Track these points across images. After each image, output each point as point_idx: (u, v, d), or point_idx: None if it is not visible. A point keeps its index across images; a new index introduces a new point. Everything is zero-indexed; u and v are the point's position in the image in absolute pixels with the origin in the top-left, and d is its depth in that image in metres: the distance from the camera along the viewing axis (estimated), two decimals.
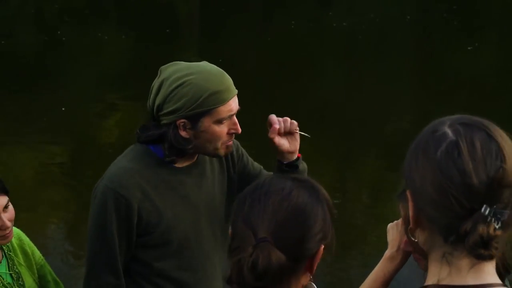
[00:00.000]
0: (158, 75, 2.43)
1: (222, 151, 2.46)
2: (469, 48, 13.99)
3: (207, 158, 2.57)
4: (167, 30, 15.22)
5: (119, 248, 2.42)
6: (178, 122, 2.37)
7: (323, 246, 1.54)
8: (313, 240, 1.52)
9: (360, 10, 18.11)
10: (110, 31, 16.03)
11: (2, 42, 13.96)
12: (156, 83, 2.41)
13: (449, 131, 1.28)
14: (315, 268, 1.55)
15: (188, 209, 2.50)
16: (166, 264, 2.48)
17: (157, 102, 2.38)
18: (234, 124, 2.43)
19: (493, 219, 1.21)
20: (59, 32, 15.36)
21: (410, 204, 1.31)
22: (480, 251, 1.22)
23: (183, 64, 2.43)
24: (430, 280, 1.32)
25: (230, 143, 2.46)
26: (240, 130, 2.43)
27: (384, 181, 7.33)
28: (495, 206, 1.22)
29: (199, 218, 2.51)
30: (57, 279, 2.98)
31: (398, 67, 12.87)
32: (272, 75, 11.63)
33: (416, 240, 1.35)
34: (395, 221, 1.91)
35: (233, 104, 2.40)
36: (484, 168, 1.23)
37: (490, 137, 1.26)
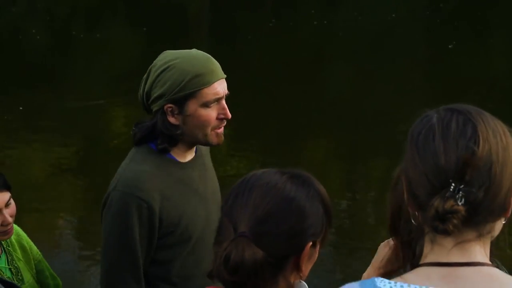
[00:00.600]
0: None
1: (213, 139, 2.42)
2: (480, 47, 13.95)
3: (202, 151, 2.58)
4: (176, 30, 15.23)
5: (140, 254, 2.37)
6: (165, 108, 2.36)
7: (310, 243, 1.48)
8: (299, 237, 1.47)
9: (368, 9, 18.07)
10: (119, 30, 16.05)
11: (10, 39, 14.00)
12: (145, 74, 2.44)
13: (433, 116, 1.32)
14: (303, 266, 1.50)
15: (201, 203, 2.50)
16: (185, 262, 2.46)
17: (146, 89, 2.39)
18: (223, 108, 2.39)
19: (456, 196, 1.24)
20: (68, 32, 15.40)
21: (404, 187, 1.34)
22: (435, 223, 1.25)
23: (170, 51, 2.45)
24: (422, 259, 1.34)
25: (221, 130, 2.42)
26: (229, 115, 2.40)
27: None
28: (462, 185, 1.24)
29: (210, 212, 2.50)
30: (54, 274, 2.99)
31: (408, 66, 12.83)
32: (280, 75, 11.61)
33: (415, 223, 1.35)
34: (387, 240, 1.85)
35: (219, 87, 2.38)
36: (455, 149, 1.26)
37: (469, 120, 1.29)
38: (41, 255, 2.96)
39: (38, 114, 9.41)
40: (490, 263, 1.30)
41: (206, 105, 2.36)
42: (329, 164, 8.24)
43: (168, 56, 2.41)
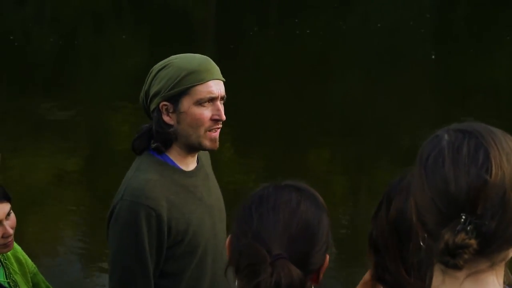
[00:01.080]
0: None
1: (206, 142, 2.40)
2: (487, 54, 13.92)
3: (203, 161, 2.57)
4: (182, 35, 15.25)
5: (151, 264, 2.33)
6: (161, 105, 2.38)
7: (328, 256, 1.50)
8: (321, 252, 1.48)
9: (375, 15, 18.07)
10: (125, 36, 16.07)
11: (16, 43, 14.04)
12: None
13: (444, 137, 1.27)
14: (321, 275, 1.51)
15: (206, 212, 2.48)
16: (194, 273, 2.43)
17: (145, 89, 2.42)
18: (218, 109, 2.38)
19: (468, 228, 1.19)
20: (74, 37, 15.43)
21: (413, 210, 1.29)
22: (445, 258, 1.20)
23: (175, 56, 2.47)
24: None
25: (215, 135, 2.41)
26: (224, 117, 2.40)
27: None
28: (473, 217, 1.19)
29: (215, 221, 2.50)
30: (50, 286, 2.94)
31: (414, 74, 12.81)
32: (285, 81, 11.61)
33: (424, 247, 1.31)
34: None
35: (214, 86, 2.38)
36: (466, 177, 1.21)
37: (481, 145, 1.23)
38: (36, 268, 2.92)
39: (43, 120, 9.41)
40: None
41: (199, 103, 2.36)
42: (331, 173, 8.23)
43: (168, 58, 2.45)
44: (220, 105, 2.40)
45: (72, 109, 9.90)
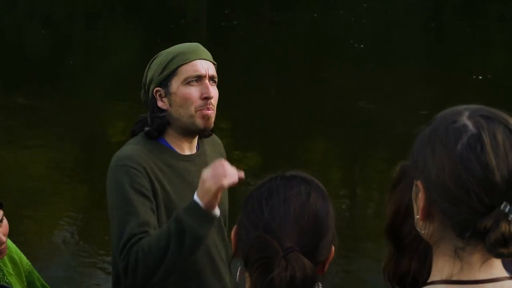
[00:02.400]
0: None
1: (199, 121, 2.43)
2: (483, 46, 13.93)
3: (207, 151, 2.58)
4: (175, 31, 15.23)
5: (143, 208, 2.34)
6: (154, 91, 2.46)
7: (333, 248, 1.50)
8: (328, 243, 1.48)
9: (369, 9, 18.06)
10: (117, 32, 16.04)
11: (10, 41, 14.00)
12: None
13: (469, 123, 1.24)
14: (327, 266, 1.51)
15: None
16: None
17: (143, 82, 2.52)
18: (206, 87, 2.43)
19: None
20: (68, 34, 15.39)
21: (422, 195, 1.27)
22: (500, 249, 1.19)
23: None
24: (437, 275, 1.29)
25: (207, 112, 2.43)
26: (212, 94, 2.42)
27: None
28: None
29: None
30: (45, 284, 2.89)
31: (409, 66, 12.83)
32: (279, 75, 11.61)
33: (422, 232, 1.31)
34: None
35: (200, 65, 2.44)
36: (506, 164, 1.20)
37: (511, 131, 1.23)
38: (31, 266, 2.87)
39: (37, 117, 9.40)
40: (508, 275, 1.28)
41: (187, 82, 2.42)
42: (328, 165, 8.24)
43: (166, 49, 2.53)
44: (208, 83, 2.44)
45: (67, 103, 9.89)
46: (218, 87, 2.52)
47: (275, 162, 7.59)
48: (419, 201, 1.29)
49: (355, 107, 9.86)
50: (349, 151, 8.59)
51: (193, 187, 2.38)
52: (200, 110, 2.43)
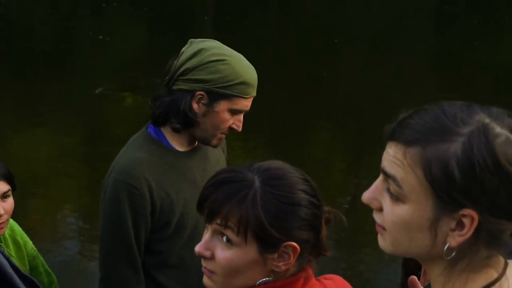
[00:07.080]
0: (188, 45, 2.45)
1: (215, 141, 2.49)
2: (489, 40, 13.88)
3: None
4: (181, 20, 15.21)
5: (136, 242, 2.40)
6: (197, 93, 2.39)
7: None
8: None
9: (377, 1, 18.01)
10: (123, 19, 16.03)
11: (14, 27, 14.00)
12: (189, 50, 2.42)
13: (500, 130, 1.19)
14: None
15: (197, 194, 2.47)
16: (180, 253, 2.47)
17: (187, 65, 2.39)
18: (239, 121, 2.47)
19: None
20: (73, 20, 15.38)
21: (473, 224, 1.20)
22: None
23: (219, 43, 2.47)
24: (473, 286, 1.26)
25: (223, 136, 2.50)
26: (241, 129, 2.48)
27: None
28: None
29: None
30: (49, 270, 2.91)
31: (417, 58, 12.79)
32: (286, 68, 11.59)
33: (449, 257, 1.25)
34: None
35: (249, 102, 2.46)
36: None
37: None
38: (36, 251, 2.88)
39: (43, 104, 9.40)
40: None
41: (233, 111, 2.43)
42: (332, 153, 8.23)
43: (221, 48, 2.44)
44: (242, 117, 2.49)
45: (71, 91, 9.89)
46: None
47: (278, 150, 7.58)
48: (466, 233, 1.21)
49: (363, 99, 9.84)
50: (355, 143, 8.57)
51: (194, 183, 2.47)
52: (221, 133, 2.47)
